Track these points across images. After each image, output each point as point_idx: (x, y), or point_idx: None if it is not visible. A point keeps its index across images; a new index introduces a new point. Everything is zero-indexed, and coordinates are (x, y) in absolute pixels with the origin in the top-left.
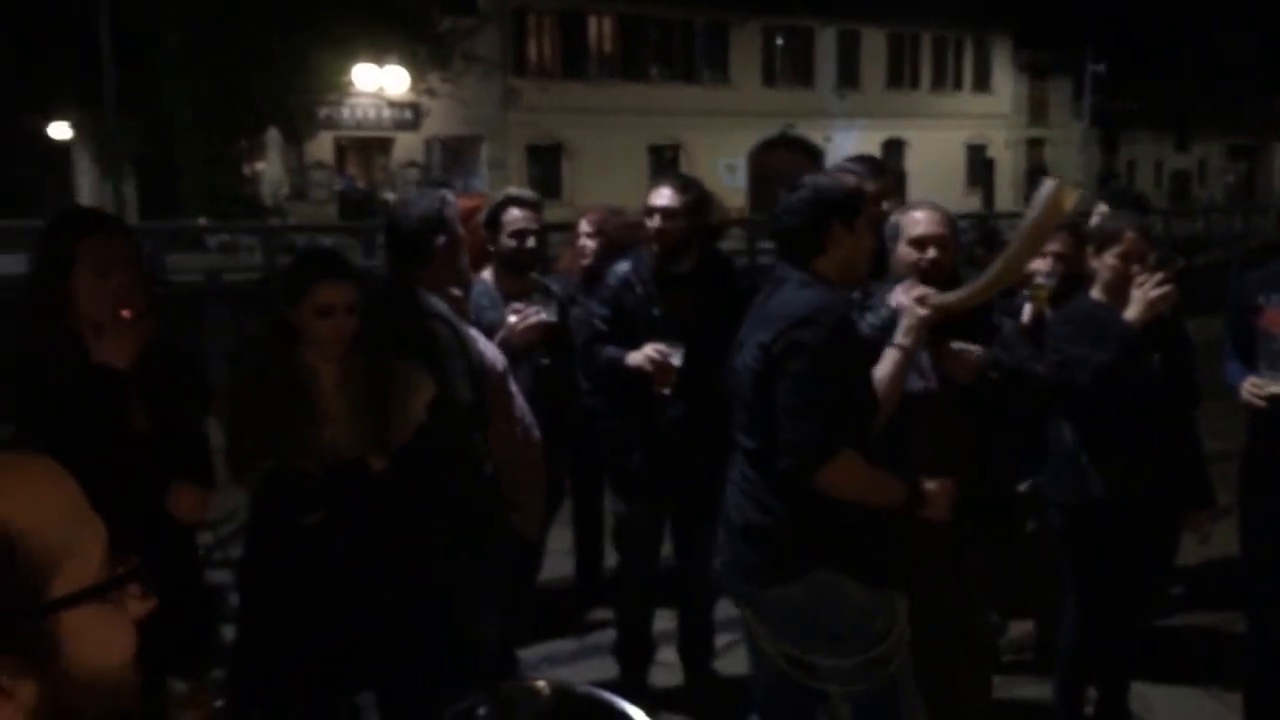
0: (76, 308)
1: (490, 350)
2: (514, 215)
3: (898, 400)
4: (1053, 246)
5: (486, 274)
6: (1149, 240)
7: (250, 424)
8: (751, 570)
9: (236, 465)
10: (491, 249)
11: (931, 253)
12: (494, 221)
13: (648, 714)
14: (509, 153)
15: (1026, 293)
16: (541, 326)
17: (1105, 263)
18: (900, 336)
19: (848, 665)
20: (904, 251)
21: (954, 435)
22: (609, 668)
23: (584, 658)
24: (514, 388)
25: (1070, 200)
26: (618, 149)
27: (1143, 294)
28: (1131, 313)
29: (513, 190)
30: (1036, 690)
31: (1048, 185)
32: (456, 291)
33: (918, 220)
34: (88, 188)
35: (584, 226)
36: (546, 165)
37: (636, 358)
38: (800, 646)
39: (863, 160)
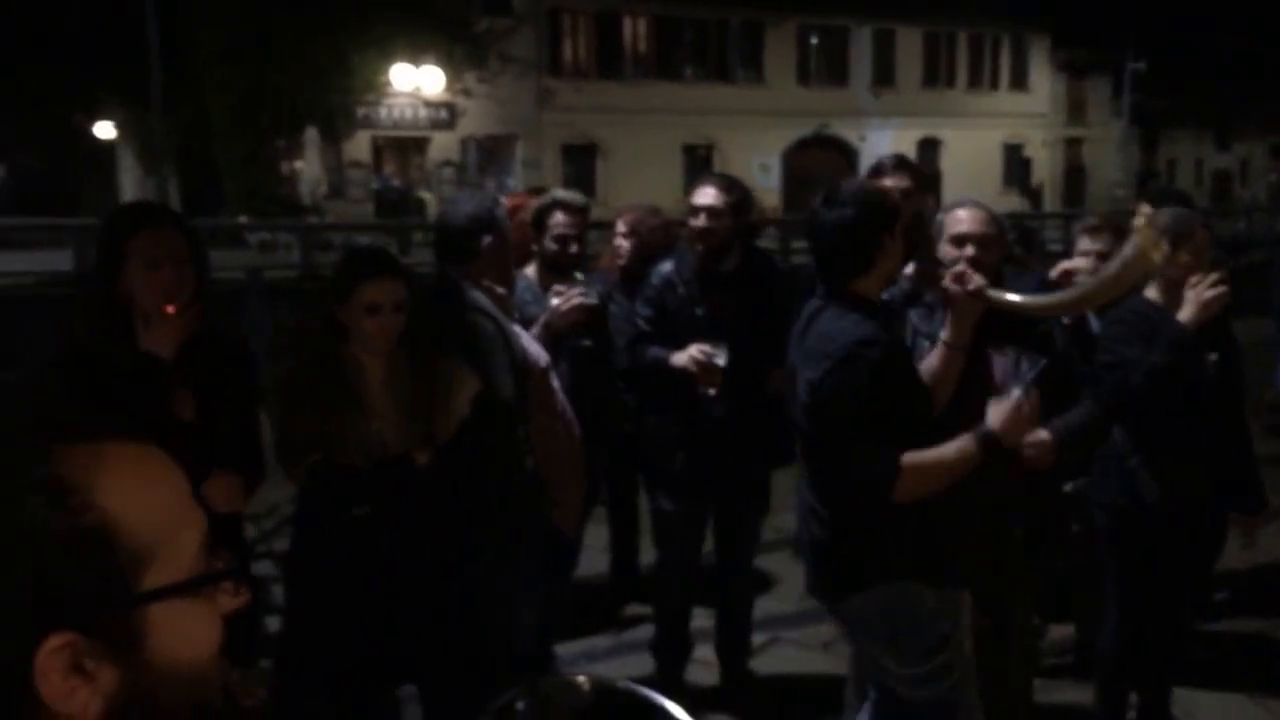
0: (130, 300)
1: (533, 346)
2: (558, 219)
3: (950, 393)
4: (1095, 245)
5: (530, 270)
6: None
7: (298, 418)
8: (826, 583)
9: (285, 459)
10: (535, 249)
11: (970, 251)
12: (540, 223)
13: (686, 711)
14: (544, 152)
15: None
16: (584, 308)
17: (1179, 260)
18: (948, 334)
19: (913, 673)
20: (945, 249)
21: None
22: (645, 664)
23: (619, 654)
24: (556, 384)
25: (1159, 254)
26: (652, 149)
27: (1197, 294)
28: (1185, 313)
29: (560, 194)
30: (1077, 694)
31: (1133, 242)
32: (501, 290)
33: (959, 219)
34: (131, 186)
35: (619, 227)
36: (581, 165)
37: (681, 358)
38: (877, 650)
39: (891, 158)
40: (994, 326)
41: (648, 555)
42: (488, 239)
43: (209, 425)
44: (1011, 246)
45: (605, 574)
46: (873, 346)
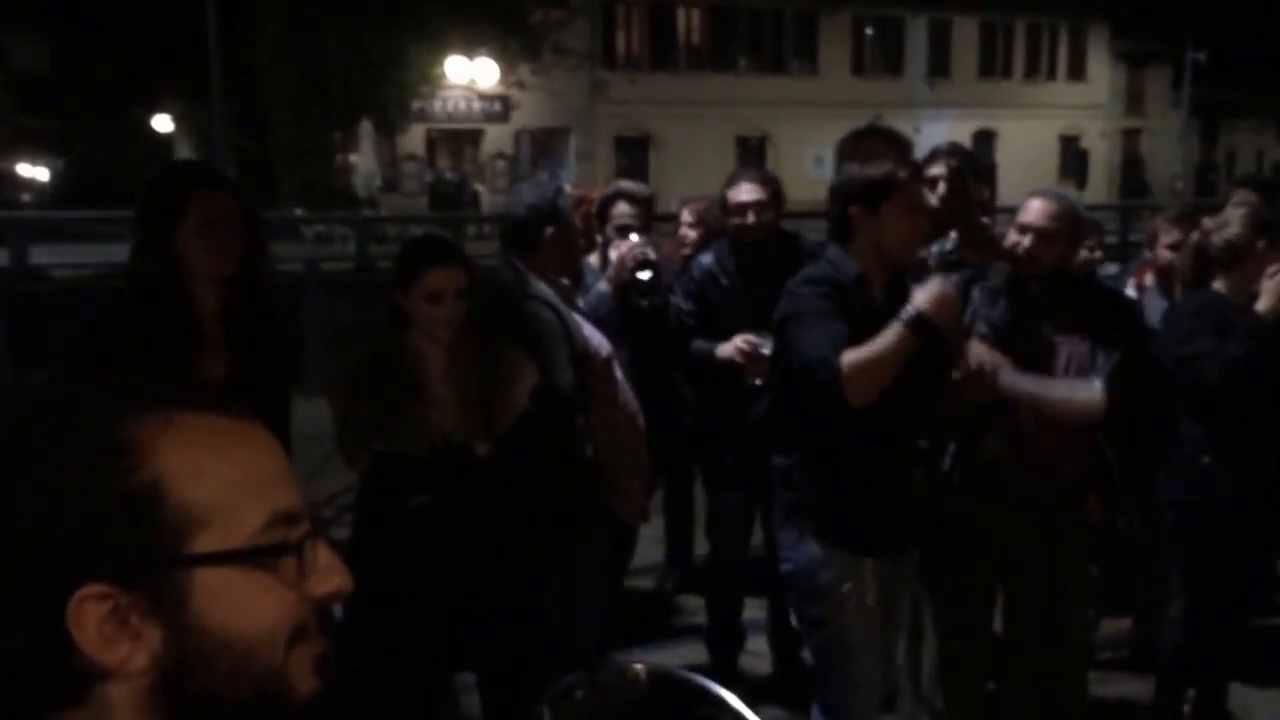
0: (180, 259)
1: (595, 336)
2: (621, 210)
3: (881, 380)
4: (1169, 238)
5: (593, 258)
6: None
7: (360, 407)
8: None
9: (346, 447)
10: (599, 239)
11: (1028, 241)
12: (603, 213)
13: (750, 699)
14: (597, 144)
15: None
16: (644, 252)
17: (1256, 251)
18: (917, 311)
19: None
20: (1010, 233)
21: (1044, 420)
22: (696, 654)
23: (671, 644)
24: (619, 374)
25: (1092, 409)
26: (705, 140)
27: (1276, 284)
28: (1263, 304)
29: (625, 184)
30: (1131, 688)
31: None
32: (565, 280)
33: (1029, 207)
34: None
35: (686, 216)
36: (634, 157)
37: (727, 349)
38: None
39: (889, 139)
40: (1067, 314)
41: (703, 548)
42: (550, 229)
43: (238, 391)
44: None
45: (658, 564)
46: (818, 284)
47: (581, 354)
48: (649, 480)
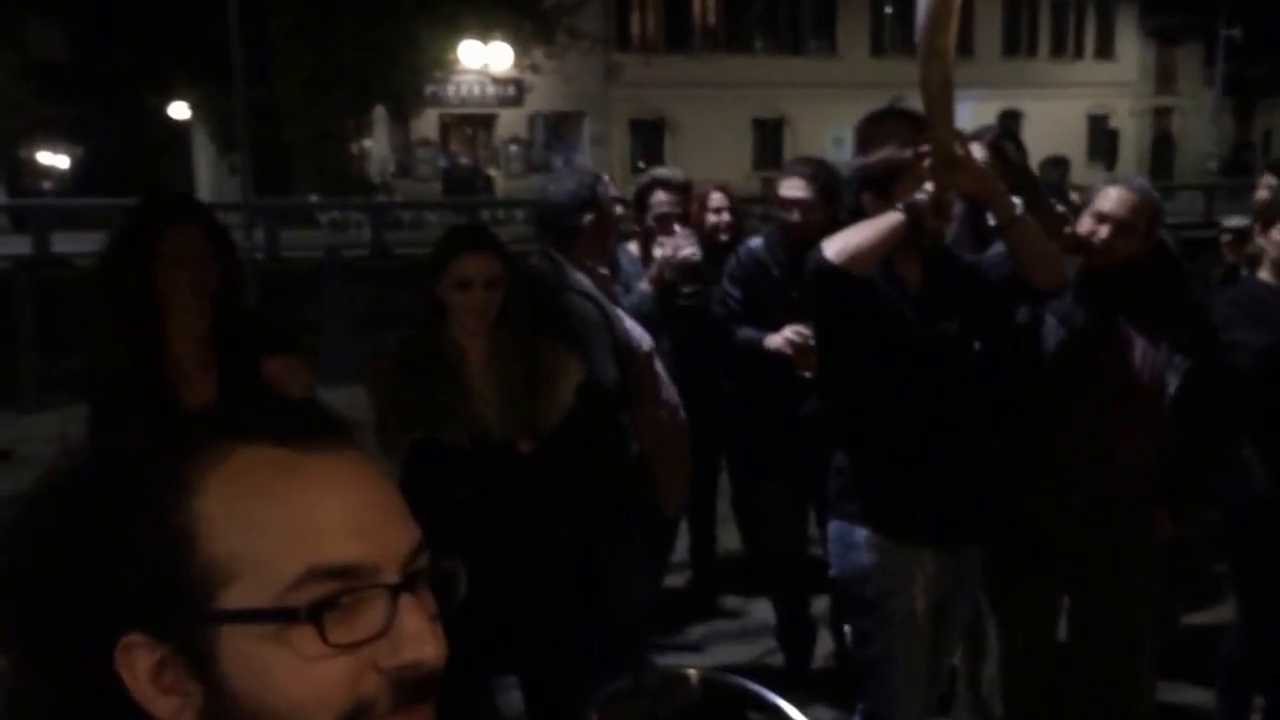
0: (157, 293)
1: (636, 330)
2: (660, 198)
3: (860, 246)
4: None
5: (633, 246)
6: None
7: (400, 395)
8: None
9: (385, 437)
10: (637, 227)
11: (1104, 232)
12: (641, 202)
13: (806, 698)
14: (611, 128)
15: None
16: (688, 255)
17: (1273, 239)
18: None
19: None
20: (1084, 221)
21: (1130, 416)
22: (736, 652)
23: (711, 642)
24: (659, 367)
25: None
26: (721, 123)
27: None
28: None
29: (661, 172)
30: (1197, 695)
31: None
32: (603, 270)
33: (1107, 195)
34: (205, 167)
35: (715, 200)
36: (649, 140)
37: (776, 340)
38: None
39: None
40: (1142, 308)
41: (730, 543)
42: (589, 217)
43: None
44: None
45: (683, 559)
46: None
47: (624, 347)
48: (690, 474)
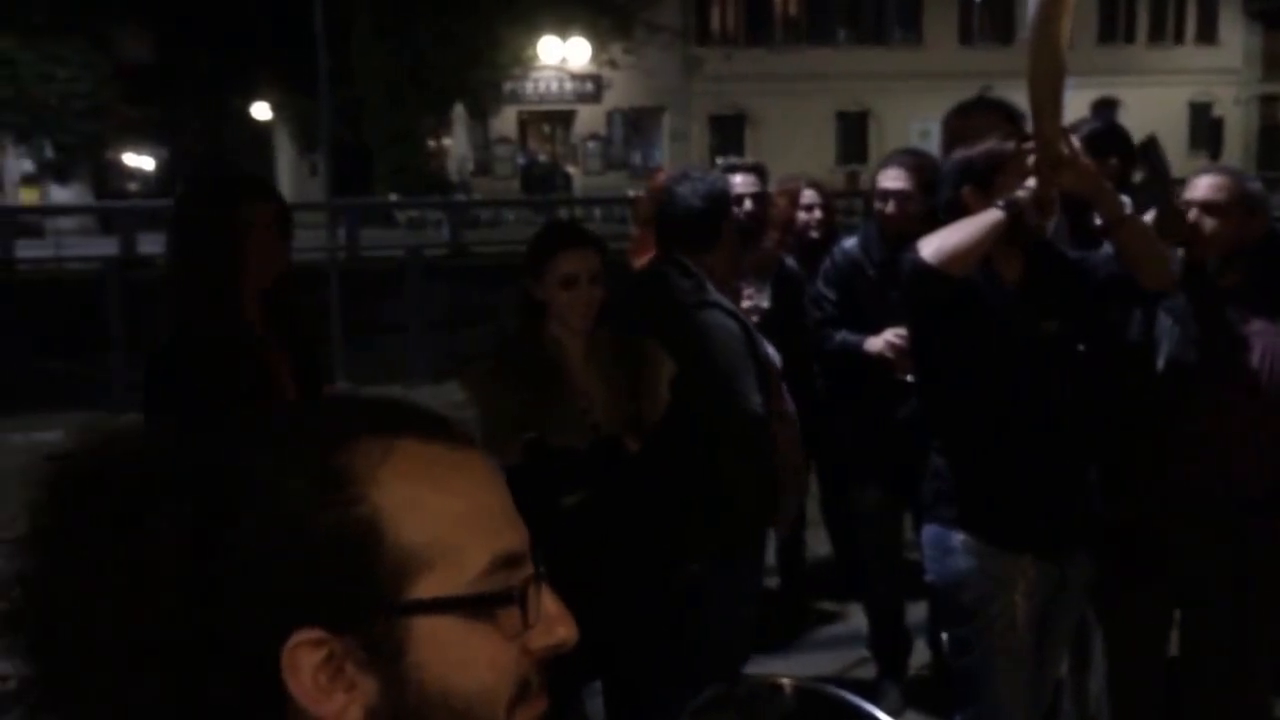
0: (237, 274)
1: (768, 347)
2: (735, 180)
3: (959, 245)
4: None
5: None
6: None
7: (505, 396)
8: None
9: (494, 440)
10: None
11: (1193, 215)
12: None
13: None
14: (691, 123)
15: None
16: (751, 313)
17: None
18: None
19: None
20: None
21: (1250, 416)
22: (825, 661)
23: (799, 650)
24: (784, 386)
25: None
26: (803, 117)
27: None
28: None
29: (732, 159)
30: None
31: None
32: (737, 283)
33: (1196, 184)
34: (286, 167)
35: (808, 197)
36: (729, 135)
37: (877, 343)
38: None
39: (999, 111)
40: (1255, 299)
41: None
42: (726, 224)
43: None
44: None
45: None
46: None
47: (766, 367)
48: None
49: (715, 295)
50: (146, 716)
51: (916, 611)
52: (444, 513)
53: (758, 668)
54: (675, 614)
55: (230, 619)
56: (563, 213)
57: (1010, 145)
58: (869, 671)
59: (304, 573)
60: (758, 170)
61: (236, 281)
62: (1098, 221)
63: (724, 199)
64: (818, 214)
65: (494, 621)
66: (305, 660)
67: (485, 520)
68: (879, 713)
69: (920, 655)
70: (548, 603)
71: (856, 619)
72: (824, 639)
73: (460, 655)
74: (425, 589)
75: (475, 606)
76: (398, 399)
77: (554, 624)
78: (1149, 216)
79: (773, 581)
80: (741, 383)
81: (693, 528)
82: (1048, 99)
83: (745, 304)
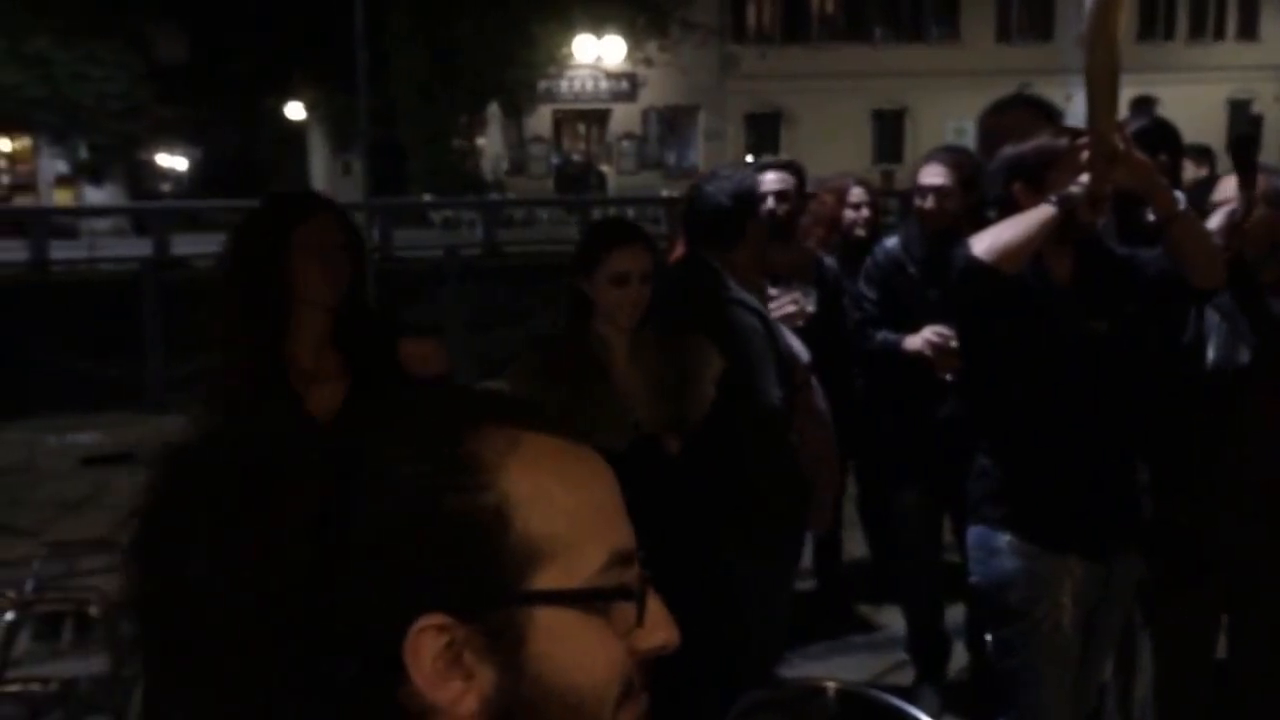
0: (288, 288)
1: (795, 342)
2: (769, 177)
3: (1011, 242)
4: None
5: None
6: None
7: (549, 394)
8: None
9: None
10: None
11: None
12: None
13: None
14: (727, 122)
15: None
16: (798, 316)
17: None
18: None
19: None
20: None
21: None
22: (863, 664)
23: (836, 653)
24: (815, 381)
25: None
26: (840, 115)
27: None
28: None
29: (766, 157)
30: None
31: None
32: (761, 279)
33: (1225, 184)
34: (320, 166)
35: (856, 195)
36: (765, 134)
37: (916, 341)
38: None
39: (1036, 108)
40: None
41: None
42: (753, 221)
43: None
44: None
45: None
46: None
47: (787, 363)
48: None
49: (737, 292)
50: (266, 693)
51: (955, 614)
52: (567, 506)
53: (795, 671)
54: (714, 615)
55: (355, 600)
56: (596, 213)
57: (1062, 141)
58: (907, 675)
59: (431, 556)
60: (792, 168)
61: (280, 306)
62: (1150, 218)
63: (751, 197)
64: (865, 212)
65: (608, 618)
66: (427, 646)
67: (603, 516)
68: (923, 716)
69: (959, 659)
70: (653, 604)
71: (894, 621)
72: (861, 642)
73: (577, 649)
74: (547, 580)
75: (595, 601)
76: (507, 393)
77: (659, 626)
78: (1214, 221)
79: (809, 584)
80: (761, 377)
81: (725, 525)
82: (1103, 93)
83: (790, 308)
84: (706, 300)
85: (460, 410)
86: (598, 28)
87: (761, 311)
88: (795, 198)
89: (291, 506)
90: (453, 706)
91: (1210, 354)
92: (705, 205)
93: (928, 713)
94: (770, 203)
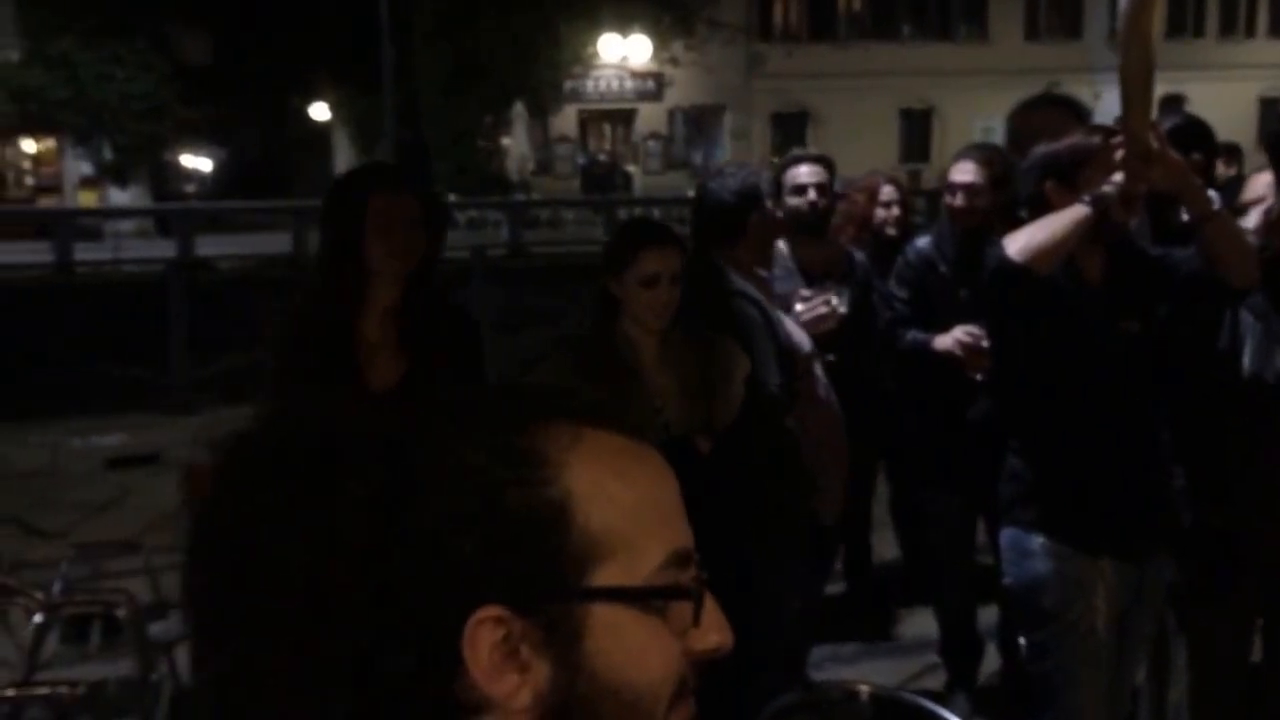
0: (362, 260)
1: (797, 332)
2: (799, 170)
3: (1045, 242)
4: None
5: (781, 243)
6: None
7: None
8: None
9: None
10: (779, 214)
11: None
12: (778, 185)
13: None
14: (753, 121)
15: None
16: (830, 318)
17: None
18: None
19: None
20: (1251, 215)
21: None
22: (894, 667)
23: (867, 656)
24: (819, 370)
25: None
26: (867, 114)
27: None
28: None
29: (796, 150)
30: None
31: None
32: (763, 272)
33: (1254, 183)
34: (344, 167)
35: (887, 193)
36: (792, 133)
37: (946, 341)
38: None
39: (1065, 107)
40: None
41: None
42: (754, 215)
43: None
44: None
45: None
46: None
47: (786, 351)
48: (848, 479)
49: (738, 283)
50: (323, 679)
51: (987, 616)
52: (628, 503)
53: (826, 674)
54: (743, 615)
55: (415, 589)
56: (622, 213)
57: (1096, 140)
58: (939, 678)
59: (492, 549)
60: (824, 161)
61: (354, 276)
62: (1184, 217)
63: (754, 194)
64: (896, 211)
65: (665, 617)
66: (485, 637)
67: (663, 515)
68: (953, 717)
69: (990, 662)
70: (708, 606)
71: (925, 624)
72: (892, 644)
73: (634, 647)
74: (606, 577)
75: (653, 600)
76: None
77: (714, 627)
78: (1251, 220)
79: (841, 587)
80: (761, 368)
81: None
82: (1138, 92)
83: (822, 309)
84: (709, 293)
85: (524, 404)
86: (623, 27)
87: (760, 302)
88: (828, 191)
89: (356, 489)
90: (508, 700)
91: (1246, 359)
92: (710, 202)
93: (960, 716)
94: (811, 194)
